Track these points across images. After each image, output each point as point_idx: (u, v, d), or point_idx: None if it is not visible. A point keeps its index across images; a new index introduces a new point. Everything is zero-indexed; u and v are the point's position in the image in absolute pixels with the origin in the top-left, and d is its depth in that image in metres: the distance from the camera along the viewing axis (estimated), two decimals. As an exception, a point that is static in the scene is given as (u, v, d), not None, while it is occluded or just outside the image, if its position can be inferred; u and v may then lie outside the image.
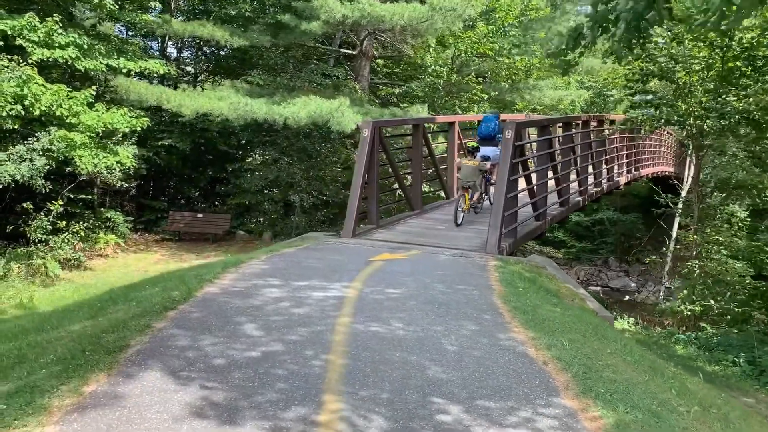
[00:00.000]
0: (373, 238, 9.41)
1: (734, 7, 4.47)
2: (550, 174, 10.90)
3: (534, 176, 10.53)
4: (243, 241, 20.94)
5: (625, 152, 18.32)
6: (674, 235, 17.82)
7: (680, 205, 17.90)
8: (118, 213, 19.34)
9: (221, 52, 25.17)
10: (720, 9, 4.50)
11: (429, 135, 11.99)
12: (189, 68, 26.55)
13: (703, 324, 11.06)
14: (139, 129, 15.64)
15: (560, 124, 11.88)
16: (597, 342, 4.97)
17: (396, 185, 11.30)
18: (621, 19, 5.25)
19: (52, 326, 5.27)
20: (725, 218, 13.55)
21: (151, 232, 21.39)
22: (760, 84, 11.22)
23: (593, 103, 28.10)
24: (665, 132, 22.63)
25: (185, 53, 26.73)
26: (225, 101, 16.18)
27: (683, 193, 17.86)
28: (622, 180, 17.76)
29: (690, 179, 17.92)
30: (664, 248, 18.58)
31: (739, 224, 12.61)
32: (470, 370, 4.10)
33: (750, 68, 11.06)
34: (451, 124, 12.81)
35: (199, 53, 26.68)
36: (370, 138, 9.62)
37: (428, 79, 16.09)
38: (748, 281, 12.03)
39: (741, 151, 13.13)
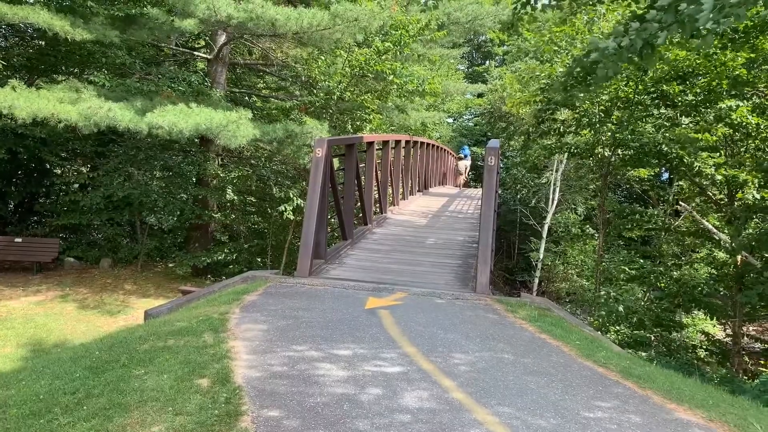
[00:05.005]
0: (332, 277, 8.01)
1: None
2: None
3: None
4: (76, 271, 17.54)
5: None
6: (541, 256, 18.47)
7: (546, 228, 18.64)
8: None
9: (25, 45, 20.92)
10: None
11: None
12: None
13: (630, 350, 11.25)
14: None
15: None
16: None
17: (335, 212, 9.91)
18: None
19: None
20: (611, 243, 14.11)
21: (-53, 261, 17.09)
22: (663, 116, 11.82)
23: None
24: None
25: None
26: (75, 105, 13.27)
27: (549, 217, 18.62)
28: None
29: (555, 202, 18.75)
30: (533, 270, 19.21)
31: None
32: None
33: (659, 101, 11.61)
34: (370, 144, 11.76)
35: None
36: (325, 158, 8.25)
37: (321, 94, 14.78)
38: (646, 304, 12.59)
39: (634, 182, 13.88)
